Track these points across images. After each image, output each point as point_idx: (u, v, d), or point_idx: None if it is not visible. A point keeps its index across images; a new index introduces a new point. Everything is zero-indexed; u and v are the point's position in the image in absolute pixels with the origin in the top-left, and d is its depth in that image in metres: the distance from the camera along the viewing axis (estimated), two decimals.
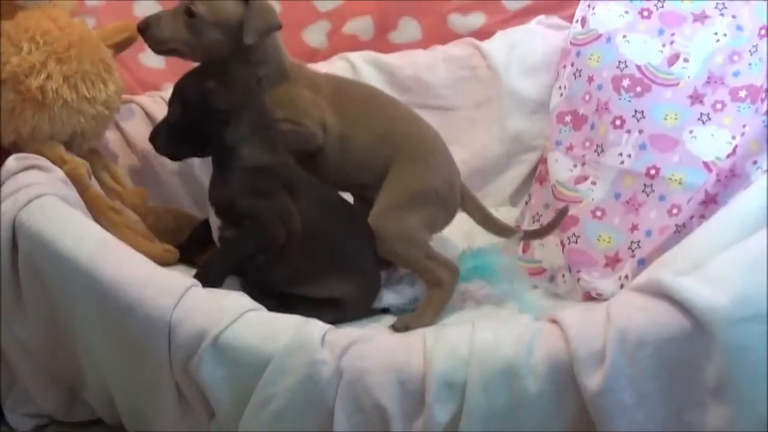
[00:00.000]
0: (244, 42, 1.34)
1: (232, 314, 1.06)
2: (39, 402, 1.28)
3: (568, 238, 1.52)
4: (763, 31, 1.51)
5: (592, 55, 1.64)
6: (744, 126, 1.42)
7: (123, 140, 1.56)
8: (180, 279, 1.13)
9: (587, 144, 1.60)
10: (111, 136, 1.55)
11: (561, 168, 1.61)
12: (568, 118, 1.65)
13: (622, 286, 1.40)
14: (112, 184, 1.47)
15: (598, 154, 1.57)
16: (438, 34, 1.84)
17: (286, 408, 1.01)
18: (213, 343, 1.04)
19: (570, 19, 1.75)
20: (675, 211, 1.42)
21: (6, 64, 1.35)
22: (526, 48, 1.78)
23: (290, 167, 1.33)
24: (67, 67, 1.37)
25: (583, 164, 1.59)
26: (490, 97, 1.77)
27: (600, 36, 1.64)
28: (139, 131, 1.55)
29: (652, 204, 1.47)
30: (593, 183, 1.56)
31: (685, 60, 1.56)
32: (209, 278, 1.21)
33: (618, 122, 1.55)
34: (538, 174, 1.71)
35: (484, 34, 1.83)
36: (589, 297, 1.45)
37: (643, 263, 1.39)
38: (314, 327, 1.05)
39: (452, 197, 1.42)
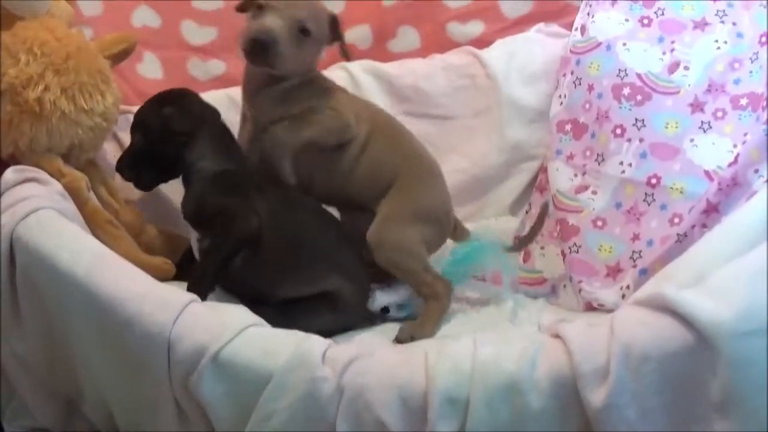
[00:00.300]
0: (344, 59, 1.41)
1: (233, 330, 1.05)
2: (37, 415, 1.27)
3: (569, 247, 1.52)
4: (763, 39, 1.50)
5: (592, 63, 1.63)
6: (745, 134, 1.42)
7: (121, 151, 1.54)
8: (179, 294, 1.11)
9: (588, 153, 1.59)
10: (109, 147, 1.55)
11: (561, 177, 1.60)
12: (568, 127, 1.65)
13: (623, 296, 1.40)
14: (108, 200, 1.48)
15: (599, 163, 1.56)
16: (437, 42, 1.84)
17: (287, 425, 1.00)
18: (213, 359, 1.03)
19: (569, 27, 1.74)
20: (676, 220, 1.42)
21: (3, 75, 1.35)
22: (525, 56, 1.78)
23: (252, 171, 1.38)
24: (64, 78, 1.37)
25: (584, 173, 1.58)
26: (490, 105, 1.76)
27: (600, 44, 1.64)
28: None
29: (654, 213, 1.46)
30: (594, 192, 1.55)
31: (686, 68, 1.55)
32: (199, 288, 1.23)
33: (618, 131, 1.55)
34: (538, 183, 1.71)
35: (483, 42, 1.83)
36: (591, 307, 1.45)
37: (644, 273, 1.39)
38: (315, 342, 1.05)
39: (447, 222, 1.46)
